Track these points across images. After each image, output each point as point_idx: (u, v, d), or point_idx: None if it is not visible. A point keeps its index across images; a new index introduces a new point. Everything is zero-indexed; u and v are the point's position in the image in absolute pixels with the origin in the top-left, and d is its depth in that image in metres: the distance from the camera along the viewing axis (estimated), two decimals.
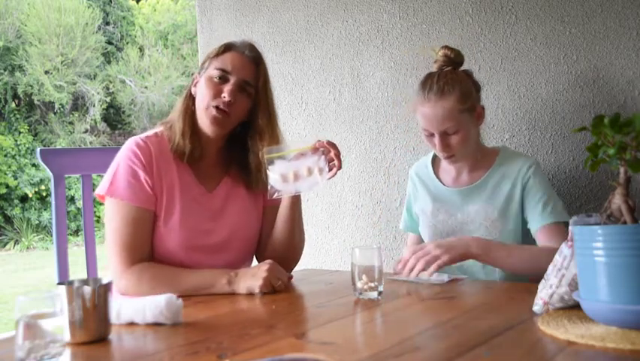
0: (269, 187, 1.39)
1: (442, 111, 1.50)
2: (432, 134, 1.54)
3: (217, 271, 1.37)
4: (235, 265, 1.54)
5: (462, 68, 1.62)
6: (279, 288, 1.33)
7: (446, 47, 1.61)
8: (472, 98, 1.54)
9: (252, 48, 1.49)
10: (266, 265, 1.34)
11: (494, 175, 1.58)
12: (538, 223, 1.49)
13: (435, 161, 1.73)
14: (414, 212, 1.76)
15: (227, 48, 1.47)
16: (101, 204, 1.44)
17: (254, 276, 1.32)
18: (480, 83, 1.66)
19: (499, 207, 1.55)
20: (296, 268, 1.61)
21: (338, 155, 1.37)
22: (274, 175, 1.35)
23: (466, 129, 1.53)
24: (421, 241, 1.77)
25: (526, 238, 1.55)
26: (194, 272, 1.37)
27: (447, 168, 1.69)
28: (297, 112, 2.35)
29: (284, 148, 1.38)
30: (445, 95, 1.50)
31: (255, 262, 1.62)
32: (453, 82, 1.53)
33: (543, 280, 1.04)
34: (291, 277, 1.44)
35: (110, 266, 1.38)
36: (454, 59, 1.59)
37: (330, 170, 1.36)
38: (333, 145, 1.37)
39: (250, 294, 1.31)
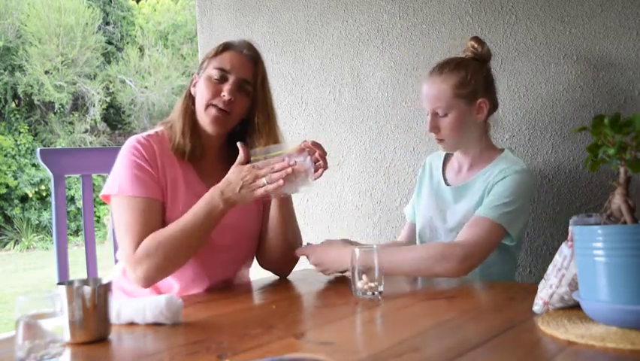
0: None
1: (435, 90, 1.53)
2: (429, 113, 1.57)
3: (205, 200, 1.34)
4: (237, 263, 1.55)
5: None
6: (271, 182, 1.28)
7: (475, 39, 1.61)
8: (472, 87, 1.53)
9: (250, 47, 1.49)
10: (239, 177, 1.31)
11: (483, 176, 1.56)
12: (477, 212, 1.45)
13: (447, 155, 1.72)
14: (418, 209, 1.75)
15: (225, 48, 1.47)
16: (102, 203, 1.44)
17: (240, 191, 1.31)
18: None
19: (474, 206, 1.53)
20: (296, 268, 1.61)
21: (323, 155, 1.36)
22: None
23: (457, 115, 1.52)
24: (414, 230, 1.76)
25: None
26: (189, 214, 1.35)
27: (452, 164, 1.69)
28: (297, 112, 2.35)
29: (270, 150, 1.37)
30: (444, 75, 1.53)
31: (254, 261, 1.62)
32: (458, 67, 1.53)
33: (543, 280, 1.04)
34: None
35: (124, 260, 1.37)
36: (479, 51, 1.60)
37: (316, 170, 1.36)
38: (318, 145, 1.37)
39: (249, 294, 1.31)
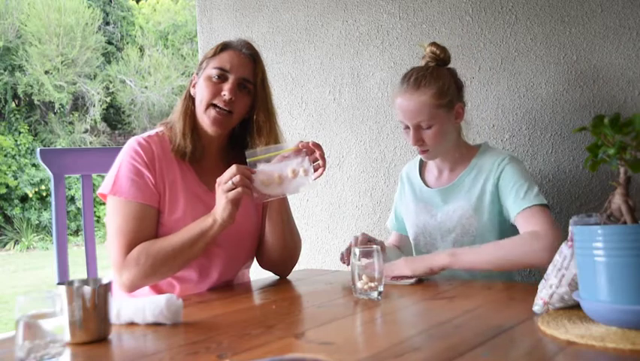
0: (253, 191, 1.36)
1: (416, 105, 1.51)
2: (407, 127, 1.55)
3: (199, 219, 1.36)
4: (238, 264, 1.55)
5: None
6: (242, 187, 1.29)
7: (434, 44, 1.60)
8: (450, 95, 1.53)
9: (248, 46, 1.49)
10: (218, 187, 1.32)
11: (470, 173, 1.57)
12: (515, 210, 1.46)
13: (422, 162, 1.73)
14: (398, 212, 1.77)
15: (224, 47, 1.47)
16: (102, 203, 1.45)
17: (220, 200, 1.31)
18: (479, 82, 1.65)
19: (473, 204, 1.55)
20: (296, 268, 1.61)
21: (322, 155, 1.36)
22: (258, 179, 1.34)
23: (440, 125, 1.52)
24: (402, 240, 1.78)
25: (503, 232, 1.52)
26: (181, 231, 1.37)
27: (431, 169, 1.69)
28: (297, 112, 2.35)
29: (269, 150, 1.37)
30: (422, 88, 1.51)
31: (254, 262, 1.62)
32: (432, 77, 1.53)
33: (543, 280, 1.04)
34: (247, 169, 1.33)
35: (112, 263, 1.37)
36: (440, 57, 1.59)
37: (315, 170, 1.36)
38: (317, 146, 1.36)
39: (249, 293, 1.31)
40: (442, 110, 1.52)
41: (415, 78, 1.54)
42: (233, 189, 1.29)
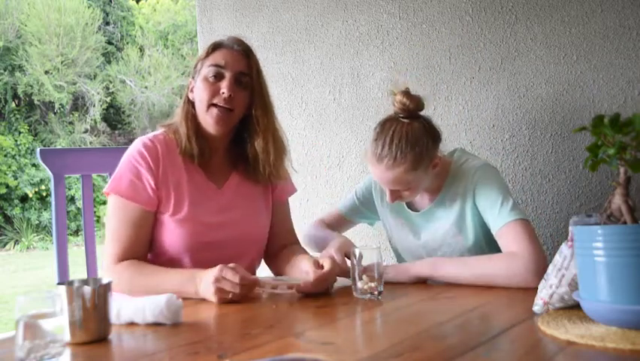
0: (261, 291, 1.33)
1: (392, 177, 1.45)
2: None
3: (189, 275, 1.31)
4: (245, 264, 1.54)
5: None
6: (233, 298, 1.24)
7: (404, 94, 1.46)
8: (425, 160, 1.45)
9: (239, 42, 1.49)
10: (214, 273, 1.24)
11: (448, 193, 1.53)
12: (495, 228, 1.43)
13: None
14: (383, 221, 1.71)
15: (215, 47, 1.47)
16: (102, 203, 1.46)
17: (207, 288, 1.25)
18: (479, 82, 1.64)
19: (455, 222, 1.51)
20: None
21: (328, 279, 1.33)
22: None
23: (418, 184, 1.48)
24: (342, 224, 1.74)
25: (493, 244, 1.48)
26: (168, 275, 1.33)
27: None
28: (297, 112, 2.35)
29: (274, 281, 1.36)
30: (397, 163, 1.42)
31: (262, 262, 1.63)
32: (406, 147, 1.42)
33: (543, 280, 1.04)
34: (252, 281, 1.27)
35: (103, 261, 1.40)
36: (410, 108, 1.45)
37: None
38: (321, 281, 1.31)
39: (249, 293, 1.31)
40: (420, 172, 1.45)
41: (390, 151, 1.43)
42: (227, 294, 1.23)
